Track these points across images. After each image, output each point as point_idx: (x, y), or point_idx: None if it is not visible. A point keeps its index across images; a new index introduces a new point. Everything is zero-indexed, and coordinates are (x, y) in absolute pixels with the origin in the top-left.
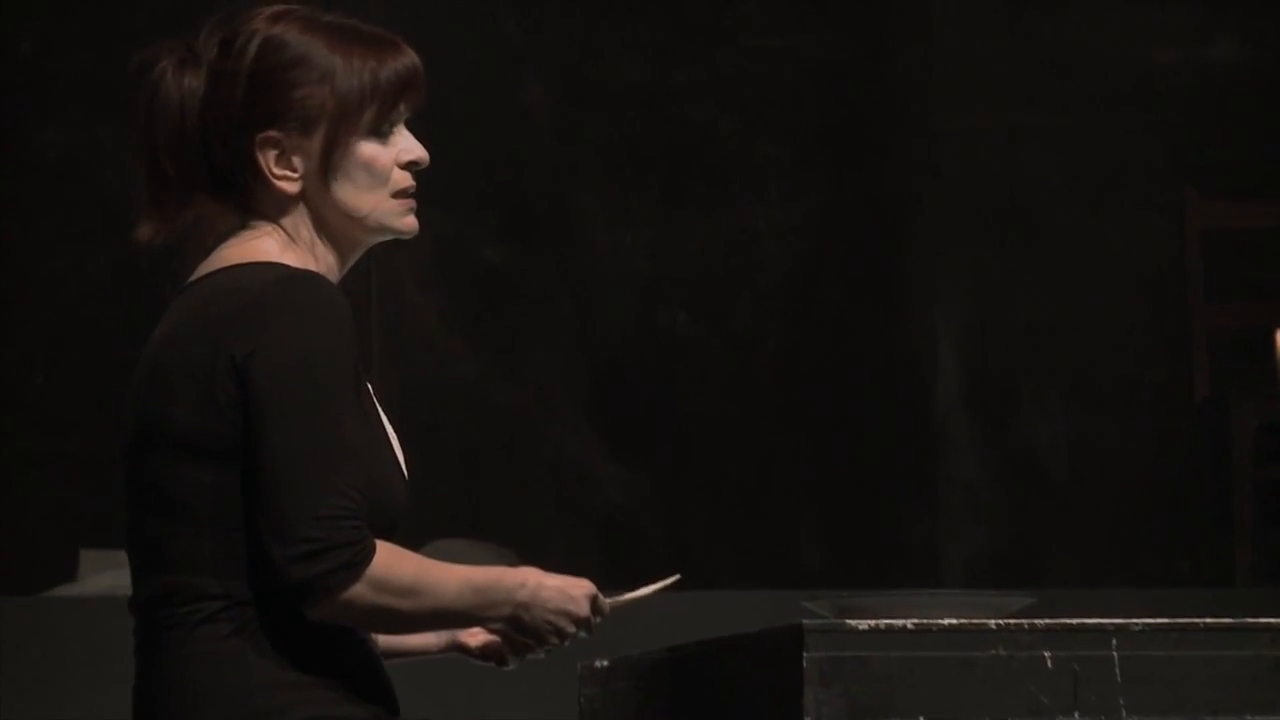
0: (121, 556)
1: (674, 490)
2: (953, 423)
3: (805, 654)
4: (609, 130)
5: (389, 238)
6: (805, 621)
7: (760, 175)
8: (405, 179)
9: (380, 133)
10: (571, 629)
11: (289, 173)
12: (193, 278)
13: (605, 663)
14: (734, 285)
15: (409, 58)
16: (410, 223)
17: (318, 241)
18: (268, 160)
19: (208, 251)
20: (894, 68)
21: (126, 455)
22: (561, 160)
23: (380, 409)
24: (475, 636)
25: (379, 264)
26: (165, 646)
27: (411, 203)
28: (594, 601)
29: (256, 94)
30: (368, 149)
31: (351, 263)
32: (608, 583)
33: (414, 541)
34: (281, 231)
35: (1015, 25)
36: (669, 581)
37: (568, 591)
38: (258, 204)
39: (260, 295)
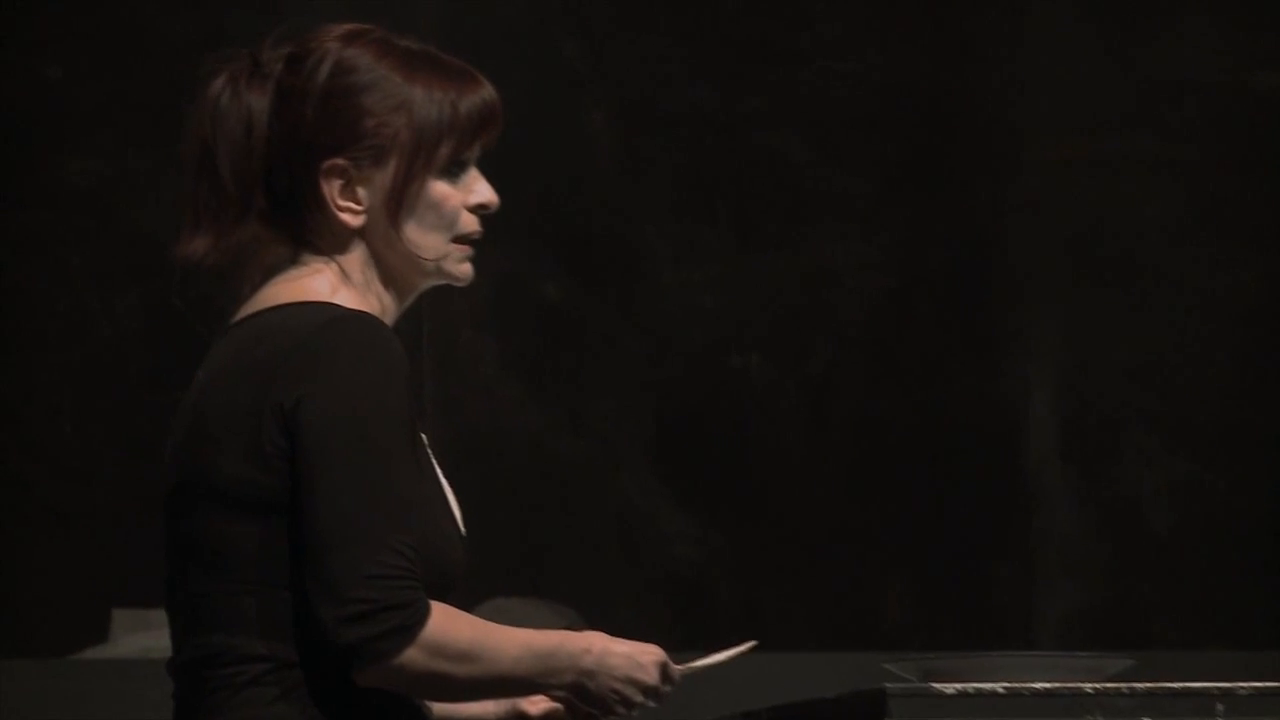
0: (156, 616)
1: (748, 546)
2: (1047, 472)
3: (887, 718)
4: (676, 159)
5: (442, 283)
6: (888, 686)
7: (838, 207)
8: (472, 223)
9: (451, 171)
10: (639, 698)
11: (353, 205)
12: (237, 317)
13: None
14: (810, 326)
15: (488, 92)
16: (467, 270)
17: (374, 281)
18: (332, 189)
19: (254, 287)
20: (982, 92)
21: (166, 507)
22: (625, 192)
23: (435, 461)
24: (536, 705)
25: (431, 304)
26: (207, 711)
27: (471, 249)
28: (664, 669)
29: (327, 117)
30: (439, 188)
31: (406, 307)
32: (678, 646)
33: (470, 601)
34: (335, 268)
35: (1110, 48)
36: (744, 648)
37: (636, 658)
38: (313, 236)
39: (310, 338)
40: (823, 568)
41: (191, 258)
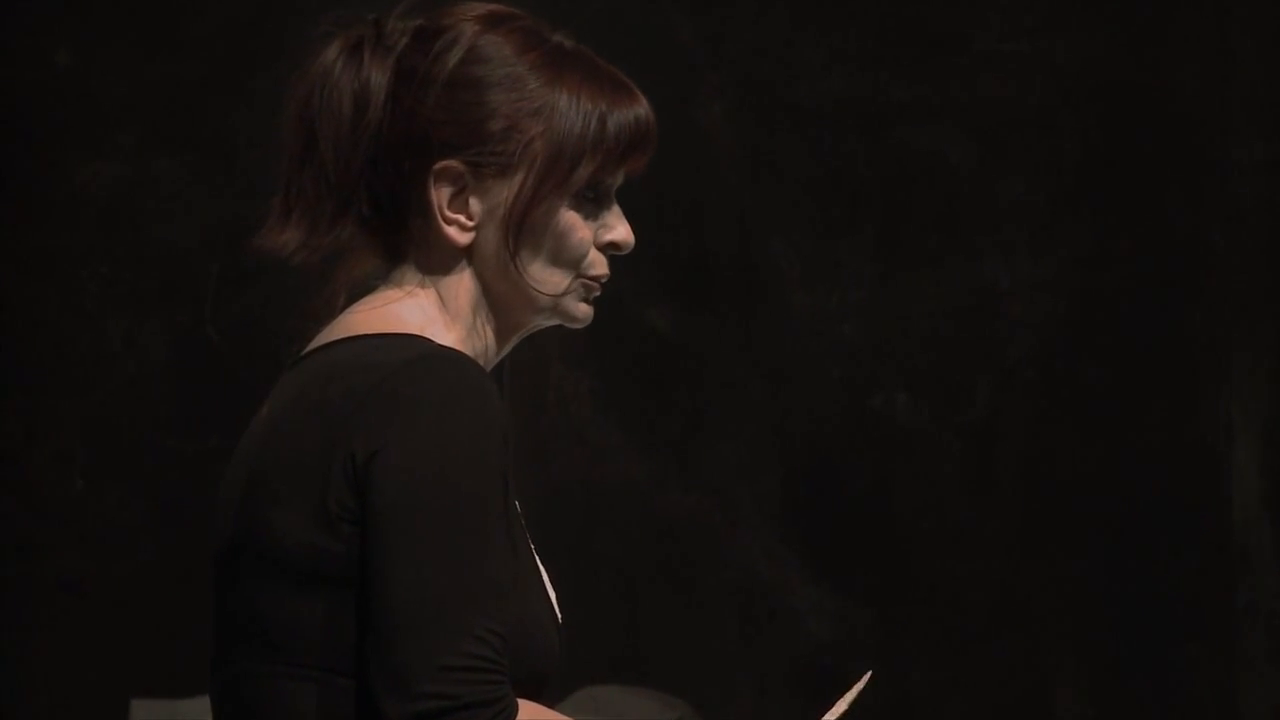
0: (184, 709)
1: (893, 621)
2: (1253, 536)
3: None
4: (808, 162)
5: (555, 323)
6: None
7: (1003, 219)
8: (600, 264)
9: (587, 198)
10: None
11: (463, 218)
12: (311, 345)
13: None
14: (970, 360)
15: (644, 110)
16: (586, 311)
17: (478, 314)
18: (441, 196)
19: (334, 309)
20: (1178, 82)
21: (215, 570)
22: (749, 200)
23: (528, 534)
24: None
25: None
26: None
27: (597, 290)
28: None
29: (449, 110)
30: (570, 216)
31: (508, 349)
32: None
33: (561, 690)
34: (434, 294)
35: None
36: (864, 683)
37: None
38: (412, 249)
39: (392, 378)
40: (982, 650)
41: (279, 251)
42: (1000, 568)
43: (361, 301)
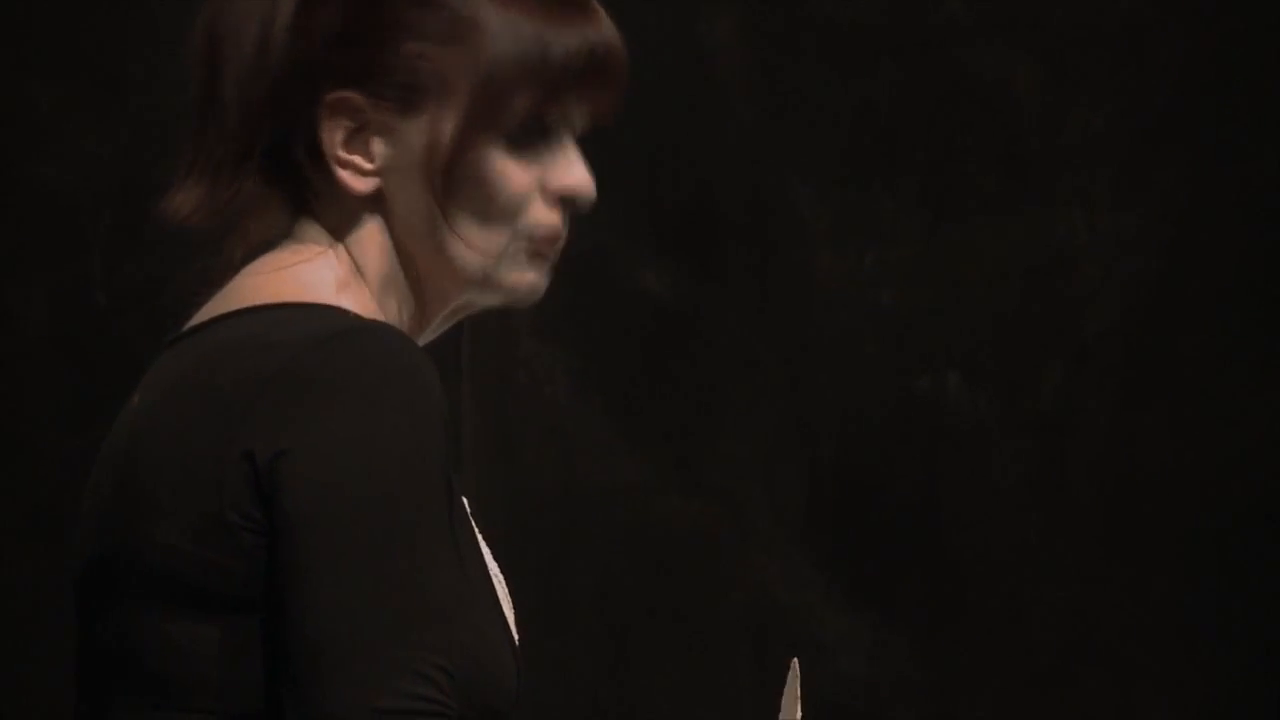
0: None
1: (943, 658)
2: None
3: None
4: (837, 90)
5: (495, 302)
6: None
7: (1079, 162)
8: (550, 221)
9: (526, 138)
10: None
11: (360, 160)
12: (197, 319)
13: None
14: (1036, 336)
15: (598, 32)
16: (530, 281)
17: (399, 279)
18: (333, 133)
19: (234, 268)
20: None
21: (78, 597)
22: (763, 138)
23: (481, 541)
24: None
25: None
26: None
27: (548, 255)
28: None
29: (347, 29)
30: (501, 162)
31: (437, 329)
32: None
33: None
34: (344, 254)
35: None
36: (793, 671)
37: None
38: (316, 202)
39: (299, 359)
40: (1051, 688)
41: (177, 215)
42: (1075, 591)
43: (258, 263)
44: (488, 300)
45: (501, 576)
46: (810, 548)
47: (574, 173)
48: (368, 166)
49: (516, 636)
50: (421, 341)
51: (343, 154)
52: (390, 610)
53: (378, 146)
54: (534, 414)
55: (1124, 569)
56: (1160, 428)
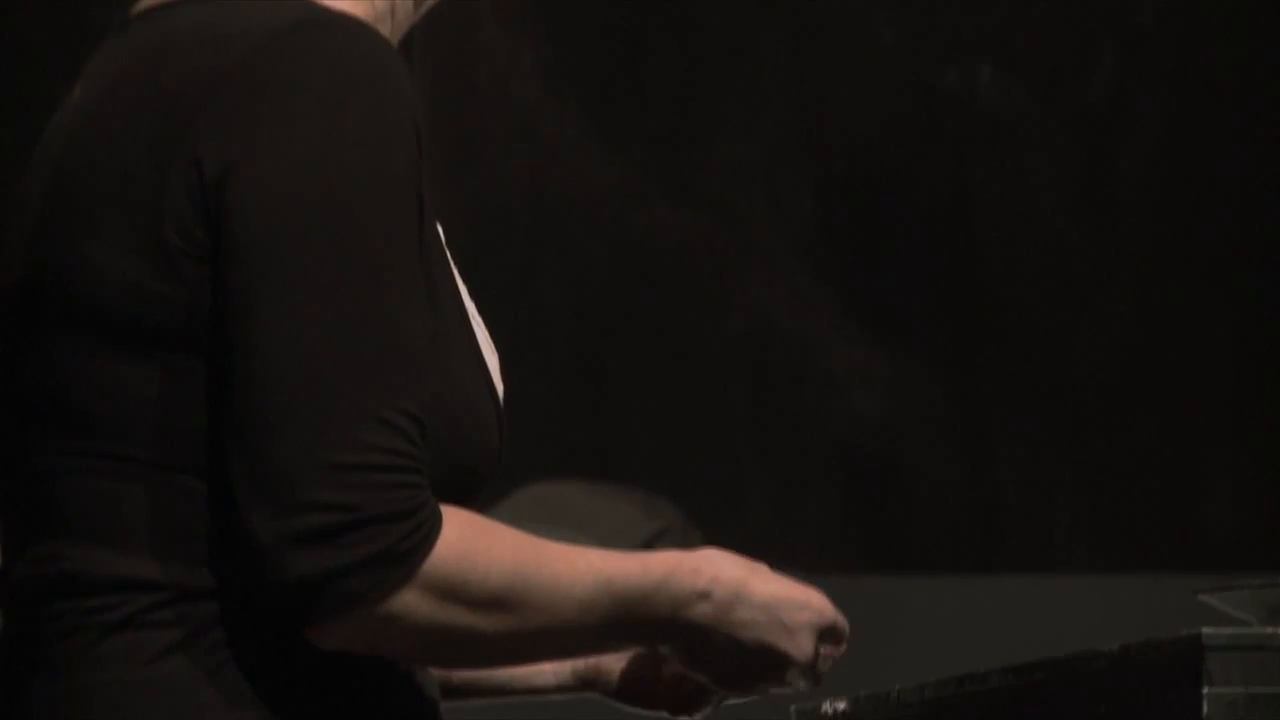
0: None
1: (971, 396)
2: None
3: (1206, 685)
4: None
5: None
6: (1205, 630)
7: None
8: None
9: None
10: (800, 656)
11: None
12: (142, 4)
13: (842, 706)
14: (1084, 17)
15: None
16: None
17: None
18: None
19: None
20: None
21: None
22: None
23: (456, 272)
24: (620, 665)
25: None
26: (49, 666)
27: None
28: (830, 629)
29: None
30: None
31: (424, 8)
32: (860, 561)
33: (499, 490)
34: None
35: None
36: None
37: (795, 598)
38: None
39: (254, 56)
40: (1098, 439)
41: None
42: (1123, 320)
43: None
44: None
45: (480, 319)
46: (818, 266)
47: None
48: None
49: (501, 388)
50: (410, 23)
51: None
52: (351, 348)
53: None
54: (498, 113)
55: (1182, 291)
56: (1222, 123)
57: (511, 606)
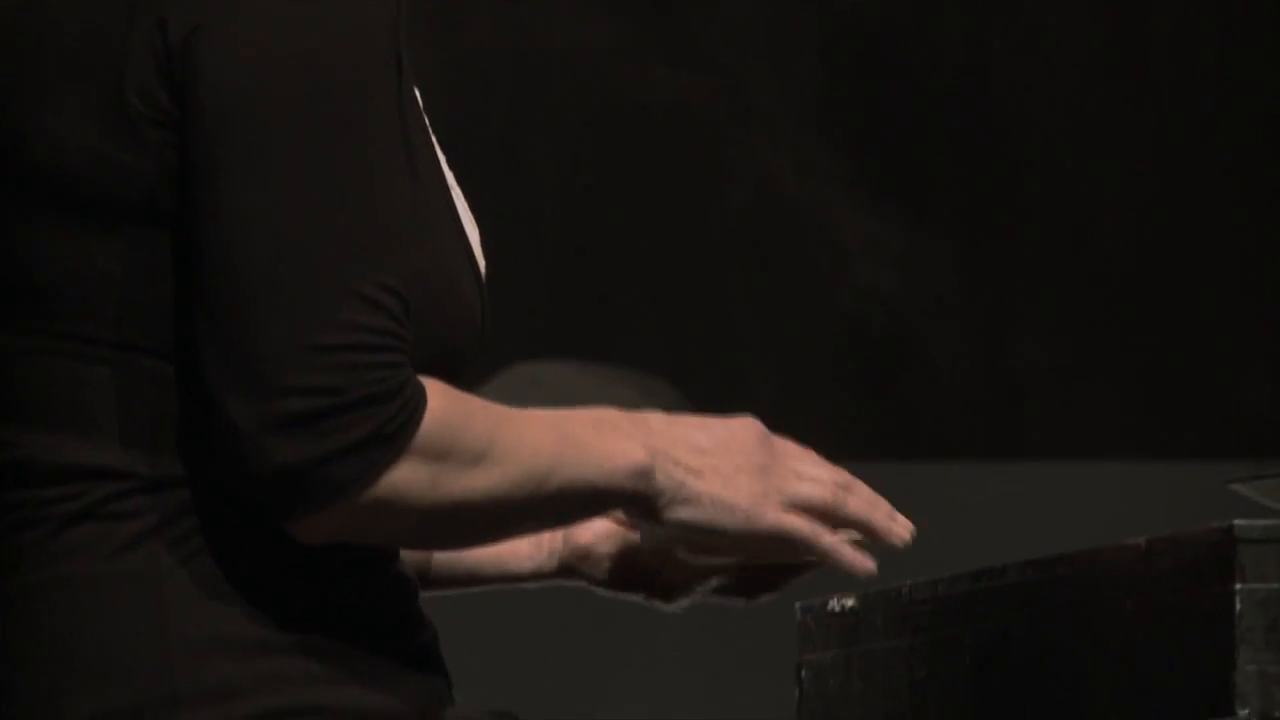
0: None
1: (987, 266)
2: None
3: (1239, 581)
4: None
5: None
6: (1237, 522)
7: None
8: None
9: None
10: (819, 497)
11: None
12: None
13: (850, 603)
14: None
15: None
16: None
17: None
18: None
19: None
20: None
21: None
22: None
23: (435, 143)
24: (607, 549)
25: None
26: (4, 565)
27: None
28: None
29: None
30: None
31: None
32: (859, 446)
33: (484, 368)
34: None
35: None
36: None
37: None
38: None
39: None
40: (1125, 315)
41: None
42: (1155, 187)
43: None
44: None
45: (460, 190)
46: (823, 128)
47: None
48: None
49: (483, 265)
50: None
51: None
52: (329, 220)
53: None
54: None
55: (1213, 163)
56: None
57: (497, 459)
